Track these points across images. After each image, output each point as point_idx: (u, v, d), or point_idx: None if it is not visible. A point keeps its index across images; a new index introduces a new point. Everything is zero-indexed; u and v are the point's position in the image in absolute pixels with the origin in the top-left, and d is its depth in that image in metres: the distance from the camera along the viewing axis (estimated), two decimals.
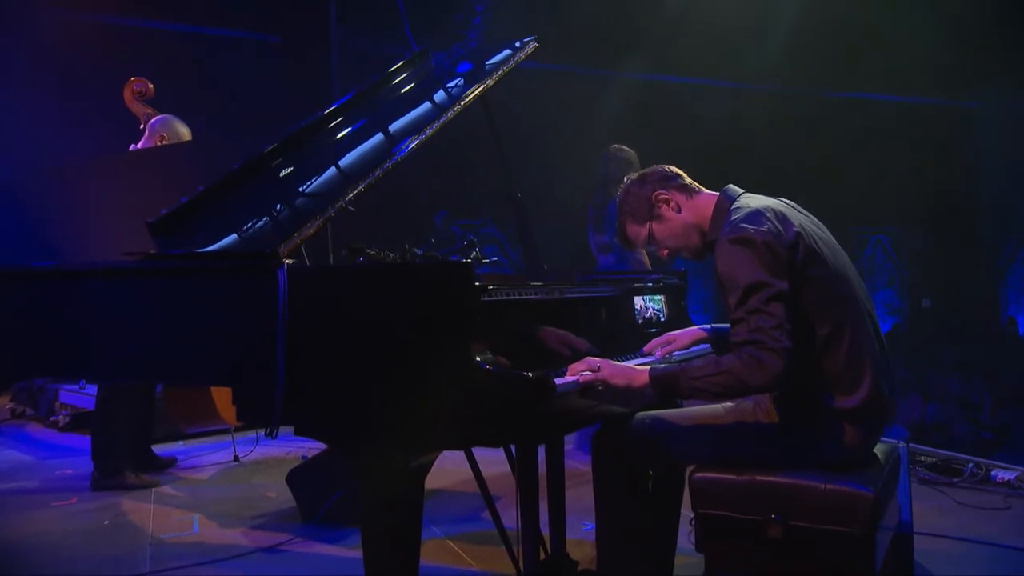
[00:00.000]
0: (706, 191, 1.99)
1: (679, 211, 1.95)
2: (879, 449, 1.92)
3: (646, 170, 2.05)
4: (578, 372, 1.73)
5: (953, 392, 5.85)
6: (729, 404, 1.93)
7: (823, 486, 1.68)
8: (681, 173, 2.01)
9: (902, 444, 2.32)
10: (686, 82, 7.39)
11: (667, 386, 1.73)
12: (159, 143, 3.61)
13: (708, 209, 1.93)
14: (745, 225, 1.74)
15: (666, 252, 2.02)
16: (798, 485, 1.70)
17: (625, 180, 2.06)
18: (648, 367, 1.76)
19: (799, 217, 1.83)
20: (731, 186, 1.95)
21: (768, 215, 1.76)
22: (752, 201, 1.86)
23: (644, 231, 1.99)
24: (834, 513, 1.66)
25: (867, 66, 7.11)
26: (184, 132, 3.71)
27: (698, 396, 1.73)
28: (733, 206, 1.86)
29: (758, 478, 1.74)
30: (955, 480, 3.43)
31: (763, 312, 1.65)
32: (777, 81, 7.20)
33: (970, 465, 3.49)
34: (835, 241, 1.89)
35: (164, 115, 3.75)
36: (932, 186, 7.69)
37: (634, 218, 2.00)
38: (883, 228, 8.83)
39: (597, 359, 1.77)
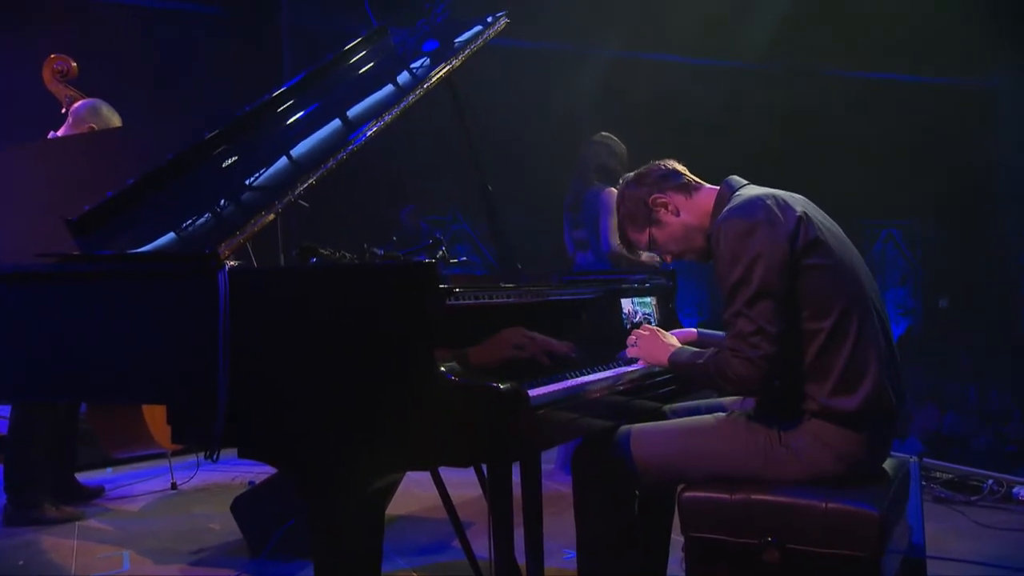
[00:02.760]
0: (707, 186, 2.05)
1: (678, 214, 2.02)
2: (887, 464, 1.97)
3: (642, 169, 2.11)
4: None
5: (972, 401, 5.97)
6: (721, 415, 1.97)
7: (823, 505, 1.71)
8: (680, 170, 2.07)
9: (913, 459, 2.37)
10: (677, 61, 7.45)
11: (681, 373, 2.00)
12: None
13: (709, 205, 1.99)
14: (735, 216, 1.81)
15: (670, 257, 2.09)
16: (796, 504, 1.74)
17: (621, 181, 2.14)
18: (671, 350, 1.98)
19: (802, 203, 1.88)
20: (734, 176, 2.01)
21: (768, 202, 1.81)
22: (752, 190, 1.91)
23: (644, 237, 2.06)
24: (836, 535, 1.70)
25: (873, 42, 7.20)
26: (114, 119, 3.67)
27: (704, 387, 2.08)
28: (733, 196, 1.92)
29: (753, 497, 1.77)
30: (973, 498, 3.50)
31: (743, 315, 1.75)
32: (774, 60, 7.27)
33: (990, 482, 3.56)
34: (845, 236, 1.94)
35: (90, 100, 3.71)
36: (948, 174, 7.78)
37: (633, 223, 2.08)
38: (894, 220, 8.95)
39: (648, 329, 2.08)
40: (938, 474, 3.71)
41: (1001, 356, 7.03)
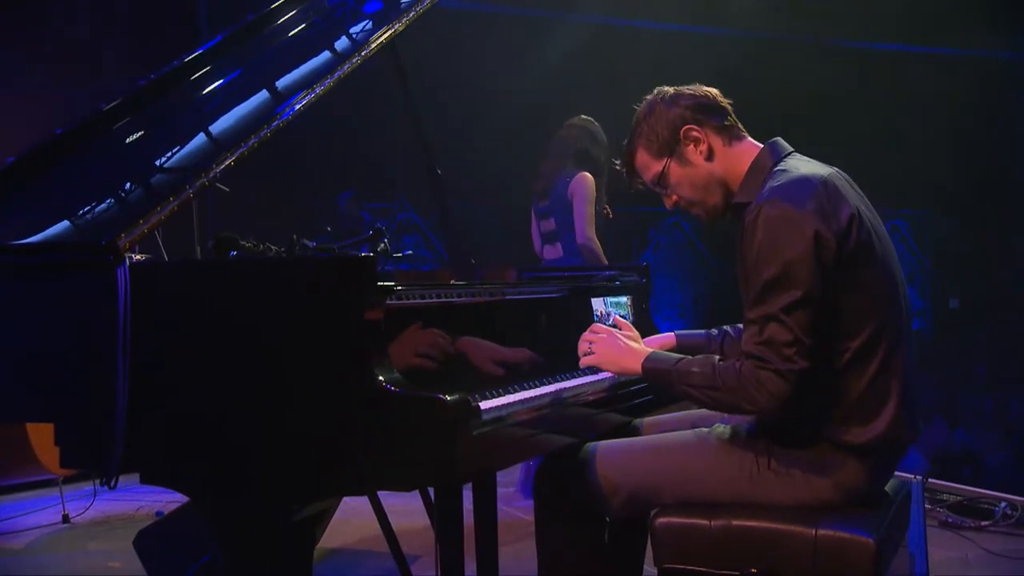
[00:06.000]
0: (750, 139, 1.98)
1: (710, 158, 1.94)
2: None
3: (683, 88, 1.99)
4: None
5: (987, 414, 6.12)
6: (703, 430, 1.99)
7: (813, 532, 1.75)
8: (728, 107, 1.98)
9: (915, 479, 2.43)
10: (654, 28, 7.50)
11: (661, 383, 1.90)
12: None
13: (744, 164, 1.93)
14: (784, 199, 1.75)
15: (674, 201, 2.00)
16: (782, 531, 1.77)
17: (655, 92, 2.01)
18: (644, 355, 1.90)
19: (854, 196, 1.85)
20: (779, 140, 1.95)
21: (819, 188, 1.76)
22: (802, 166, 1.86)
23: (657, 167, 1.97)
24: (827, 565, 1.73)
25: (879, 8, 7.30)
26: None
27: (692, 401, 1.91)
28: (777, 167, 1.87)
29: (734, 523, 1.80)
30: (984, 523, 3.59)
31: (779, 321, 1.70)
32: (767, 27, 7.35)
33: (1003, 505, 3.65)
34: (886, 233, 1.91)
35: None
36: (962, 158, 7.94)
37: (649, 146, 1.97)
38: (900, 211, 9.11)
39: (602, 330, 1.98)
40: (945, 496, 3.78)
41: (1021, 363, 7.14)
